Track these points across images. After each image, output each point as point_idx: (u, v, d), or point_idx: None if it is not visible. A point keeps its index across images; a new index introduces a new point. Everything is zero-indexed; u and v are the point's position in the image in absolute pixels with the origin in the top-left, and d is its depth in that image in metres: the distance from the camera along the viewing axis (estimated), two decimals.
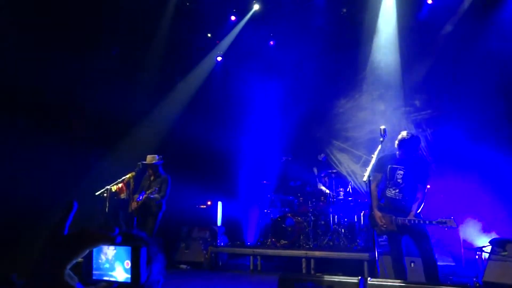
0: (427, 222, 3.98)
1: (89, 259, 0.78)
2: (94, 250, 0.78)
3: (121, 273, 0.78)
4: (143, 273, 0.78)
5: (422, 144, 8.10)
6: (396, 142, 4.29)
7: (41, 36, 6.69)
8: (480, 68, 7.46)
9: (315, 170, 8.11)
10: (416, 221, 4.01)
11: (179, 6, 8.48)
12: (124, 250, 0.78)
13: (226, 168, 9.21)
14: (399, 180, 4.29)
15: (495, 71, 7.45)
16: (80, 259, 0.72)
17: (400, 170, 4.30)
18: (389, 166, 4.35)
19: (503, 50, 7.12)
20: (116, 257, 0.79)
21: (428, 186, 6.27)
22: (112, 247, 0.78)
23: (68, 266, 0.70)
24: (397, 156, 4.32)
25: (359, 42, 8.87)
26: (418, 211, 4.16)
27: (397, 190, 4.28)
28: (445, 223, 3.83)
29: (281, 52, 9.50)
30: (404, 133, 4.31)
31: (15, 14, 6.55)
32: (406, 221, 4.04)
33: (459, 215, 6.20)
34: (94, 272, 0.79)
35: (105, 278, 0.78)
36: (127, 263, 0.77)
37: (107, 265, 0.78)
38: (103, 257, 0.79)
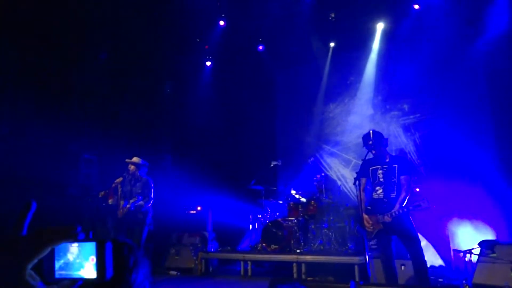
0: (405, 209, 4.11)
1: (50, 257, 0.76)
2: (60, 249, 0.77)
3: (89, 270, 0.76)
4: (109, 268, 0.76)
5: (408, 145, 8.18)
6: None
7: (28, 37, 6.62)
8: (467, 72, 7.57)
9: (311, 159, 8.08)
10: (396, 213, 4.11)
11: (168, 11, 8.45)
12: (89, 246, 0.76)
13: (216, 173, 9.17)
14: (381, 179, 4.40)
15: (482, 75, 7.56)
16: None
17: (380, 169, 4.41)
18: (370, 168, 4.47)
19: (489, 55, 7.24)
20: (82, 255, 0.77)
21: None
22: (76, 245, 0.77)
23: (29, 266, 0.68)
24: (375, 157, 4.46)
25: (348, 47, 8.94)
26: (403, 205, 4.20)
27: (381, 190, 4.36)
28: (419, 205, 4.05)
29: (270, 56, 9.52)
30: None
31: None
32: (388, 215, 4.13)
33: (449, 217, 6.26)
34: (60, 272, 0.77)
35: (72, 276, 0.76)
36: (92, 259, 0.75)
37: (75, 265, 0.77)
38: (70, 256, 0.77)
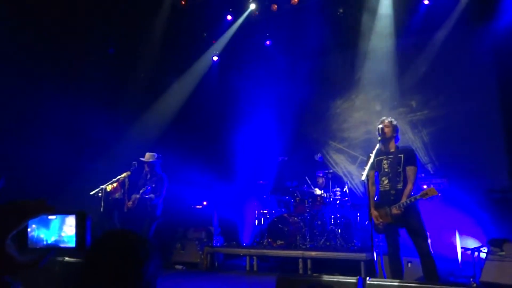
0: (412, 199, 4.08)
1: (24, 229, 0.80)
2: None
3: (67, 240, 0.80)
4: (89, 238, 0.81)
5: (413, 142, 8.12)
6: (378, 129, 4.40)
7: (35, 32, 6.63)
8: (477, 68, 7.48)
9: (317, 156, 7.99)
10: (404, 204, 4.08)
11: (175, 5, 8.44)
12: (68, 218, 0.81)
13: (222, 168, 9.17)
14: (386, 170, 4.37)
15: (492, 72, 7.47)
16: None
17: (385, 160, 4.39)
18: (376, 159, 4.42)
19: (500, 51, 7.15)
20: (61, 226, 0.82)
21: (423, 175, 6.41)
22: (53, 217, 0.83)
23: (9, 237, 0.73)
24: (381, 148, 4.41)
25: (356, 43, 8.86)
26: (411, 194, 4.19)
27: (387, 180, 4.34)
28: (426, 194, 3.99)
29: (277, 52, 9.47)
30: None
31: (10, 11, 6.47)
32: (397, 207, 4.11)
33: (456, 216, 6.20)
34: (43, 242, 0.83)
35: (49, 245, 0.82)
36: (71, 230, 0.80)
37: (56, 235, 0.83)
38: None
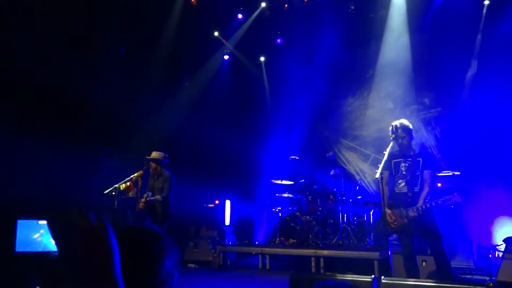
0: (433, 203, 4.02)
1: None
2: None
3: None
4: None
5: (426, 138, 8.03)
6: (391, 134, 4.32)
7: (48, 34, 6.71)
8: (493, 64, 7.35)
9: (329, 154, 7.92)
10: (423, 207, 4.03)
11: (186, 4, 8.45)
12: None
13: (234, 167, 9.18)
14: (404, 173, 4.33)
15: (508, 68, 7.33)
16: None
17: (403, 162, 4.35)
18: (393, 161, 4.40)
19: None
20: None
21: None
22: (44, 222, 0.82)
23: None
24: (399, 149, 4.38)
25: (367, 40, 8.78)
26: (426, 200, 4.13)
27: (404, 183, 4.30)
28: (449, 199, 3.93)
29: (288, 50, 9.43)
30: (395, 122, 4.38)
31: (21, 13, 6.55)
32: (414, 209, 4.05)
33: (469, 213, 6.12)
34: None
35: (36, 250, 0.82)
36: None
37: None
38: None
